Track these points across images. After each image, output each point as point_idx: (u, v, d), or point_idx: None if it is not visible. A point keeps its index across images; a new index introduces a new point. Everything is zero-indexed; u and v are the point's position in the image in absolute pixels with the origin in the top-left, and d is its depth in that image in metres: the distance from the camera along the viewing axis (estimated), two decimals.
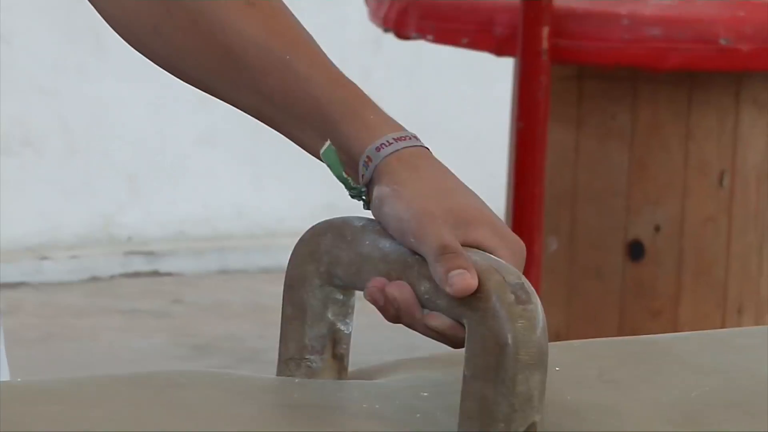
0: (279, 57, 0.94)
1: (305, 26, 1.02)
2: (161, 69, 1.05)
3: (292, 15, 1.00)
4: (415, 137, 0.90)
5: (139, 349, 3.42)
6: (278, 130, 0.98)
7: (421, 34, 3.15)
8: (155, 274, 3.80)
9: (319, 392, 0.87)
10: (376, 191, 0.86)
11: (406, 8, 2.91)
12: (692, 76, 3.20)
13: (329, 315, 0.88)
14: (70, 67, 3.73)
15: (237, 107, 1.02)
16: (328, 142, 0.88)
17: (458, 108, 4.08)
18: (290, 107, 0.94)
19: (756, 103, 3.24)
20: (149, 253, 3.85)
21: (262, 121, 1.00)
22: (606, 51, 3.13)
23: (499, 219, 0.88)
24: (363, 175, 0.88)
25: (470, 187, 0.89)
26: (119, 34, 1.03)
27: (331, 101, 0.91)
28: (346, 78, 0.94)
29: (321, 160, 0.90)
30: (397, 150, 0.88)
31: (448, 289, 0.77)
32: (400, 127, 0.90)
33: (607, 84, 3.23)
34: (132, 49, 1.11)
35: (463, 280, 0.76)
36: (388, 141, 0.88)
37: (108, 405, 0.82)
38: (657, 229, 3.16)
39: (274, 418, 0.85)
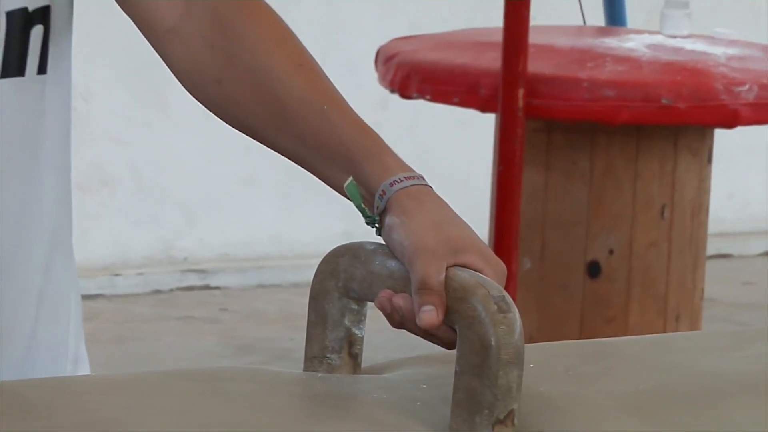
0: (318, 108, 0.94)
1: None
2: (215, 117, 1.05)
3: (327, 76, 1.00)
4: (422, 177, 0.90)
5: (193, 349, 3.39)
6: (308, 169, 0.98)
7: (421, 94, 3.08)
8: (206, 288, 3.76)
9: (337, 385, 0.87)
10: (387, 220, 0.86)
11: (409, 73, 2.91)
12: (639, 128, 3.20)
13: (346, 321, 0.88)
14: (139, 120, 3.75)
15: (275, 150, 1.02)
16: (350, 178, 0.88)
17: (451, 154, 4.08)
18: (322, 149, 0.93)
19: (690, 151, 3.27)
20: (201, 271, 3.83)
21: (295, 162, 1.00)
22: (570, 108, 3.10)
23: (485, 244, 0.87)
24: (377, 206, 0.87)
25: (462, 218, 0.89)
26: (183, 84, 1.03)
27: (357, 146, 0.91)
28: (370, 128, 0.94)
29: (343, 193, 0.90)
30: (406, 186, 0.87)
31: (417, 321, 0.78)
32: (410, 169, 0.90)
33: (570, 135, 3.21)
34: (189, 104, 1.11)
35: (430, 316, 0.76)
36: (399, 179, 0.87)
37: (167, 394, 0.82)
38: (611, 252, 3.16)
39: (300, 405, 0.86)
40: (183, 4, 1.02)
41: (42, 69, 1.07)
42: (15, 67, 1.05)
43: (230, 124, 1.05)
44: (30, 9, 1.04)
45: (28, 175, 1.10)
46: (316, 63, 1.02)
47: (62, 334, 1.14)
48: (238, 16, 1.03)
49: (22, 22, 1.04)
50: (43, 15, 1.06)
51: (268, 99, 0.99)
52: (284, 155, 1.01)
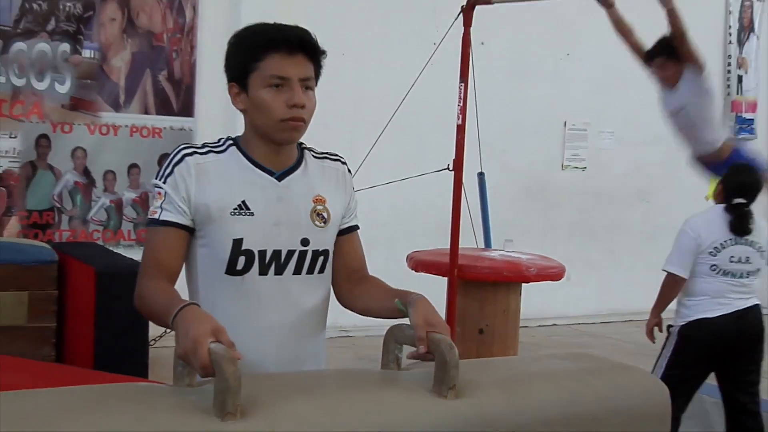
0: (388, 289, 1.98)
1: None
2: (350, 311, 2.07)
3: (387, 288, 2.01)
4: (422, 295, 1.84)
5: None
6: (376, 315, 2.00)
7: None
8: None
9: (390, 374, 1.76)
10: (410, 312, 1.80)
11: None
12: (495, 283, 4.72)
13: (398, 353, 1.83)
14: None
15: (369, 315, 2.03)
16: (398, 300, 1.84)
17: None
18: (390, 303, 1.90)
19: (507, 291, 4.77)
20: None
21: (374, 316, 2.00)
22: (476, 275, 4.64)
23: (443, 320, 1.75)
24: (406, 309, 1.82)
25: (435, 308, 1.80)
26: (337, 297, 2.07)
27: (402, 294, 1.90)
28: (407, 291, 1.90)
29: (390, 311, 1.91)
30: (416, 298, 1.82)
31: (420, 349, 1.71)
32: (419, 294, 1.86)
33: (472, 286, 4.70)
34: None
35: (423, 349, 1.70)
36: (415, 297, 1.84)
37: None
38: (486, 326, 4.72)
39: (373, 376, 1.75)
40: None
41: (321, 270, 2.00)
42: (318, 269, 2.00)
43: (359, 313, 2.05)
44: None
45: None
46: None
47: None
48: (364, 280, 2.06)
49: None
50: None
51: (385, 294, 1.96)
52: (371, 316, 2.02)
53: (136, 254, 4.93)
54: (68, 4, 5.44)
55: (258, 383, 1.57)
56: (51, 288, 4.40)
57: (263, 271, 1.90)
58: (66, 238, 5.49)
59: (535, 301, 5.62)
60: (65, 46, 5.48)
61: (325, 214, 1.97)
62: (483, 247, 5.52)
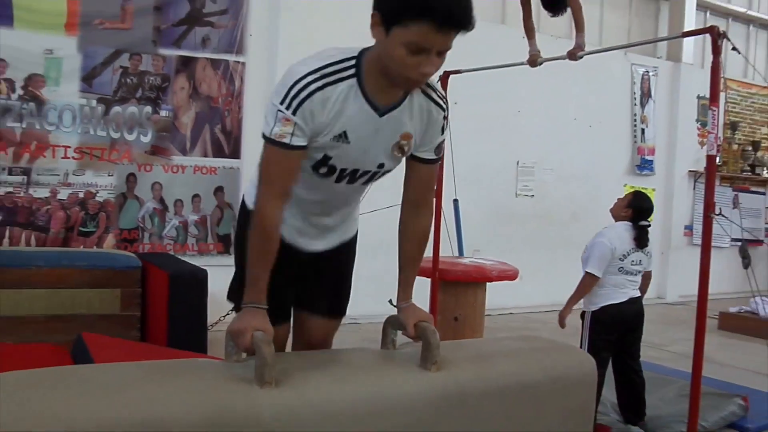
0: (406, 266, 1.82)
1: None
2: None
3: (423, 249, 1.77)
4: (411, 302, 1.76)
5: None
6: (400, 270, 1.77)
7: None
8: None
9: (388, 353, 1.77)
10: (401, 312, 1.73)
11: None
12: (466, 282, 4.57)
13: (393, 337, 1.79)
14: None
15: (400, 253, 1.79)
16: (390, 299, 1.74)
17: None
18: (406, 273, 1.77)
19: (475, 290, 4.56)
20: None
21: (401, 264, 1.77)
22: (454, 275, 4.53)
23: (428, 313, 1.72)
24: (398, 309, 1.74)
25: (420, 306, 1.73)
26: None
27: (401, 292, 1.77)
28: (406, 292, 1.78)
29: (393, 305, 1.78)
30: (404, 306, 1.77)
31: (410, 334, 1.69)
32: (408, 302, 1.77)
33: (451, 285, 4.56)
34: None
35: (412, 334, 1.68)
36: (404, 305, 1.77)
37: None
38: (459, 315, 4.55)
39: (375, 354, 1.74)
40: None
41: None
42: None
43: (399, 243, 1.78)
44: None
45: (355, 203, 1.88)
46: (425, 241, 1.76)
47: None
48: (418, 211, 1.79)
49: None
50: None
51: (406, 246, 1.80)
52: (400, 260, 1.77)
53: (198, 261, 5.06)
54: (151, 78, 5.47)
55: (288, 360, 1.56)
56: (136, 287, 4.41)
57: (339, 180, 1.76)
58: (147, 249, 5.48)
59: (496, 295, 5.45)
60: (148, 108, 5.50)
61: (406, 148, 1.72)
62: (457, 255, 5.44)
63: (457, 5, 1.46)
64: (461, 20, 1.47)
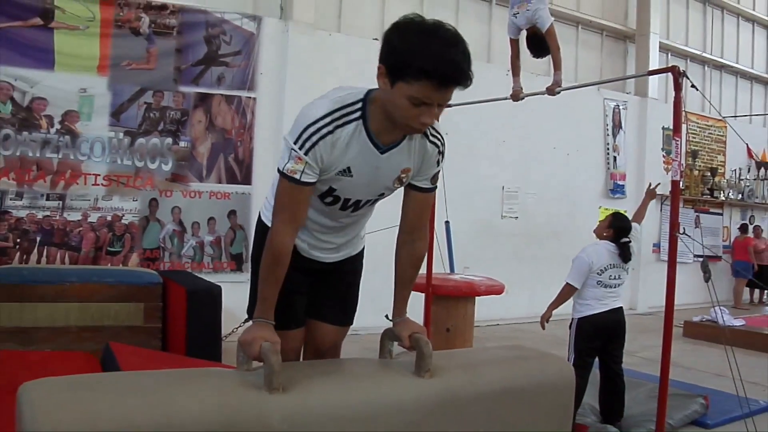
0: (401, 286, 1.75)
1: None
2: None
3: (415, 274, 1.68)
4: (406, 317, 1.70)
5: None
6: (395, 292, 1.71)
7: None
8: None
9: (385, 362, 1.67)
10: (397, 325, 1.69)
11: None
12: (456, 297, 4.45)
13: (390, 347, 1.71)
14: None
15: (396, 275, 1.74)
16: (387, 314, 1.63)
17: None
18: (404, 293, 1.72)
19: (465, 303, 4.44)
20: None
21: (396, 284, 1.74)
22: (446, 290, 4.43)
23: (421, 325, 1.68)
24: (394, 321, 1.69)
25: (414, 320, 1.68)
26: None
27: (396, 310, 1.71)
28: (402, 309, 1.72)
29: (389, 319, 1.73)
30: (400, 321, 1.73)
31: (407, 345, 1.63)
32: (404, 317, 1.72)
33: (443, 300, 4.42)
34: None
35: (407, 346, 1.63)
36: (399, 319, 1.72)
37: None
38: (451, 327, 4.42)
39: (373, 363, 1.64)
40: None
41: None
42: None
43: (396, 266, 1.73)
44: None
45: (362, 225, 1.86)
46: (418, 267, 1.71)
47: None
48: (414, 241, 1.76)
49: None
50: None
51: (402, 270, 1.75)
52: (396, 280, 1.72)
53: (213, 278, 4.98)
54: (171, 112, 5.45)
55: (295, 369, 1.54)
56: (158, 301, 4.36)
57: (343, 208, 1.77)
58: (167, 267, 5.43)
59: (484, 308, 5.45)
60: (169, 140, 5.48)
61: (404, 179, 1.73)
62: (449, 272, 5.42)
63: (456, 67, 1.47)
64: (459, 79, 1.49)
